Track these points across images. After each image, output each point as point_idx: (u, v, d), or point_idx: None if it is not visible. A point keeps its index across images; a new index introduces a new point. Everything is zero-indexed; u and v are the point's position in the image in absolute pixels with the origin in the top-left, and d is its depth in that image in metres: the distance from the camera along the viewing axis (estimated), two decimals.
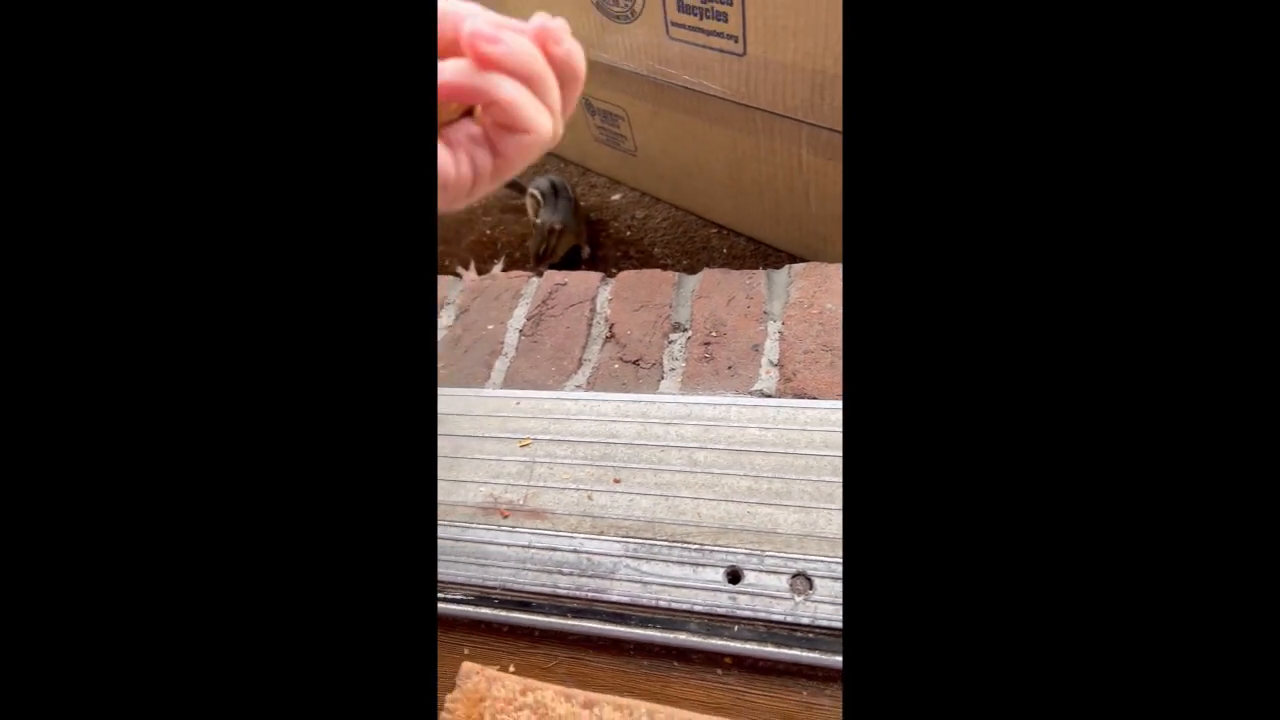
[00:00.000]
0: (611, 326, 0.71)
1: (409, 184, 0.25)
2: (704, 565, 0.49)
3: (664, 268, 0.98)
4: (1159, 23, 0.22)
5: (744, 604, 0.47)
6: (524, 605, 0.50)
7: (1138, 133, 0.22)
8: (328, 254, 0.25)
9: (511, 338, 0.73)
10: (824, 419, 0.56)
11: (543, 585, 0.50)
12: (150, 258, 0.24)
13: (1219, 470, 0.21)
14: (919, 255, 0.23)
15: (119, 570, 0.24)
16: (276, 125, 0.24)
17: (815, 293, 0.69)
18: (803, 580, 0.47)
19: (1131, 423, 0.22)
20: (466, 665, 0.48)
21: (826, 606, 0.45)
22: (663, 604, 0.48)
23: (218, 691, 0.23)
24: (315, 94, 0.24)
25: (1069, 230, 0.22)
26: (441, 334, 0.75)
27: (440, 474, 0.59)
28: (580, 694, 0.46)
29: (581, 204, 1.05)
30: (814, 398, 0.58)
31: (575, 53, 0.27)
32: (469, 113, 0.28)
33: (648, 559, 0.50)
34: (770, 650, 0.45)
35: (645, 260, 0.99)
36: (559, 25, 0.27)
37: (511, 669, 0.48)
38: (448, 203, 0.28)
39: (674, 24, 0.78)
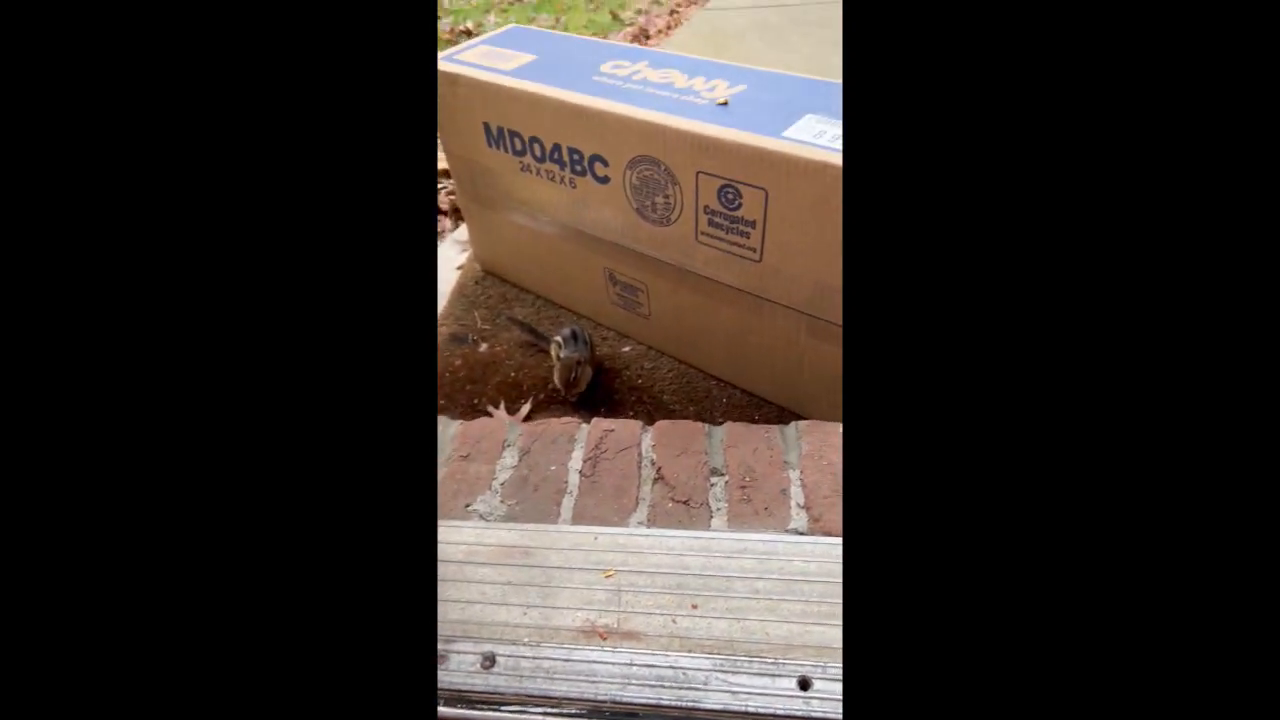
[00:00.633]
0: (659, 469, 0.86)
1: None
2: (779, 676, 0.62)
3: (674, 412, 1.15)
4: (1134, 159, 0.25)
5: (816, 707, 0.60)
6: (633, 716, 0.60)
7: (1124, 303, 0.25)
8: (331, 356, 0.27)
9: (574, 478, 0.85)
10: None
11: (647, 698, 0.61)
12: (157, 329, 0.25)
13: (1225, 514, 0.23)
14: (908, 429, 0.28)
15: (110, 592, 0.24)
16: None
17: (821, 447, 0.87)
18: None
19: (1121, 540, 0.25)
20: None
21: None
22: (750, 710, 0.60)
23: None
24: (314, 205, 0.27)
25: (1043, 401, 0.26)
26: (509, 473, 0.87)
27: (540, 601, 0.69)
28: None
29: (596, 351, 1.21)
30: (838, 534, 0.74)
31: None
32: None
33: (732, 672, 0.62)
34: None
35: (657, 405, 1.16)
36: None
37: None
38: None
39: (703, 233, 0.99)
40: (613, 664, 0.63)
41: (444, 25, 2.92)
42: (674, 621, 0.67)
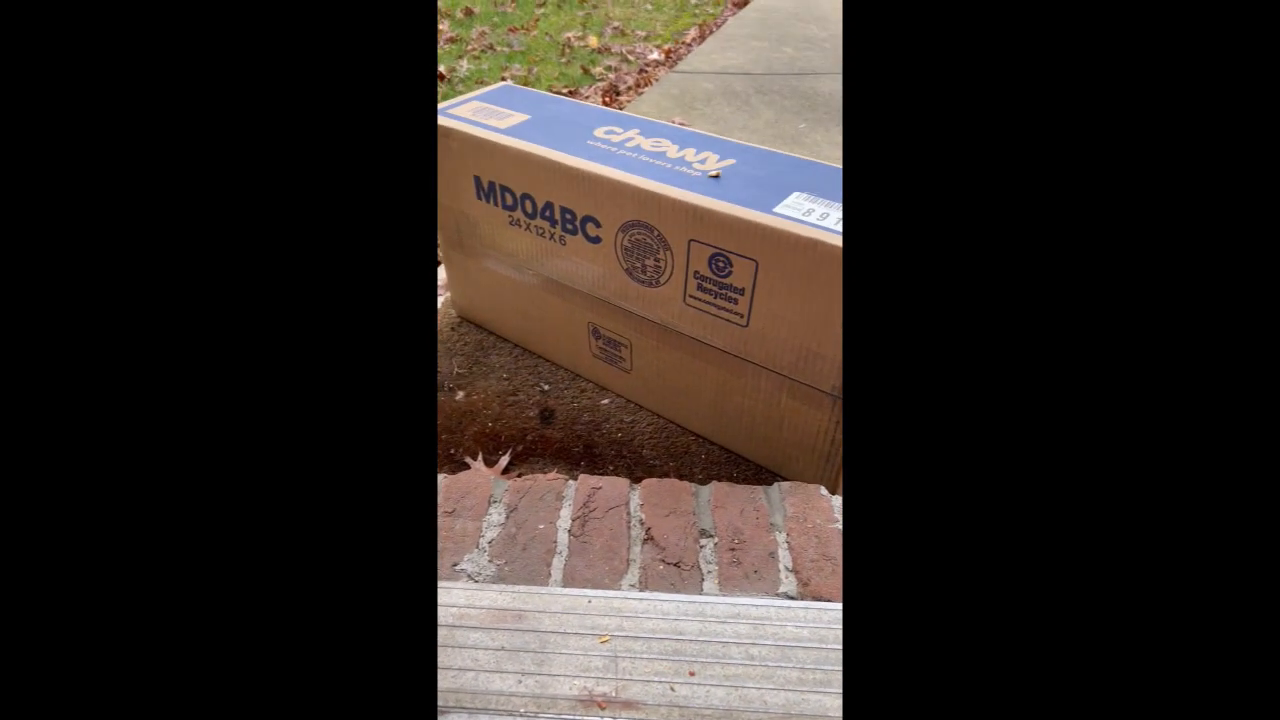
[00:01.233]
0: (648, 530, 0.86)
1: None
2: None
3: (654, 468, 1.16)
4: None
5: None
6: None
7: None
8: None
9: (563, 537, 0.85)
10: (840, 619, 0.74)
11: None
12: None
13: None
14: (909, 502, 0.29)
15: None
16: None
17: (805, 510, 0.90)
18: None
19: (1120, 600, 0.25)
20: None
21: None
22: None
23: None
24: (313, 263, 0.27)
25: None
26: (497, 531, 0.86)
27: (535, 668, 0.68)
28: None
29: (573, 405, 1.20)
30: (829, 600, 0.77)
31: None
32: None
33: None
34: None
35: (637, 460, 1.17)
36: None
37: None
38: None
39: (691, 295, 1.02)
40: None
41: None
42: (672, 690, 0.67)
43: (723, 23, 3.58)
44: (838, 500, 0.92)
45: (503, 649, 0.70)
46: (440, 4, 3.55)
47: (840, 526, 0.88)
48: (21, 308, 0.24)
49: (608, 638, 0.71)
